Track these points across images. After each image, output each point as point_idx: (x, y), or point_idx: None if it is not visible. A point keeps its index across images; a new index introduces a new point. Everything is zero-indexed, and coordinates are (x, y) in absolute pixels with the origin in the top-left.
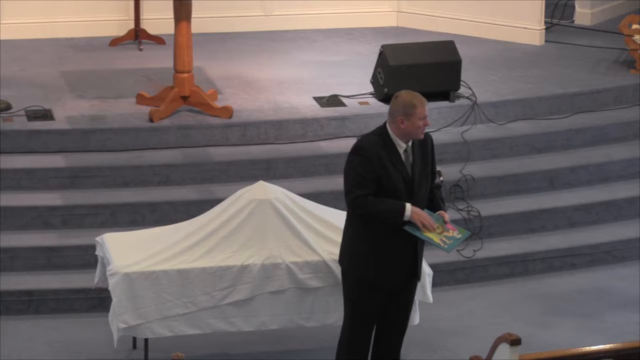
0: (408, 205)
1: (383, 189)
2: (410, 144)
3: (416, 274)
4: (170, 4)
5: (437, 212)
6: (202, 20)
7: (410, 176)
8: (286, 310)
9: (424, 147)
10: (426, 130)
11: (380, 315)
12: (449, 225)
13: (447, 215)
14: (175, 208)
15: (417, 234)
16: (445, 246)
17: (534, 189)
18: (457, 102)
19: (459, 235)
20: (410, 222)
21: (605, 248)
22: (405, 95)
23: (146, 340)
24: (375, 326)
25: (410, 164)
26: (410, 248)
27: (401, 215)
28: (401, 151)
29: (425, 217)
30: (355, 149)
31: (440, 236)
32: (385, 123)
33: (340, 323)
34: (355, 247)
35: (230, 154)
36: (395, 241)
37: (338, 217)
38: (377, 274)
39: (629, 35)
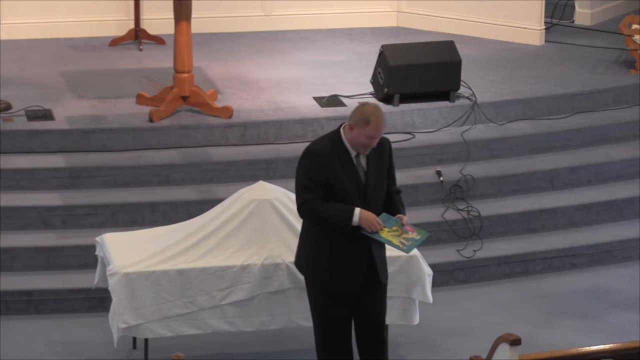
0: (356, 210)
1: (334, 193)
2: None
3: (377, 278)
4: (170, 4)
5: (396, 216)
6: (202, 20)
7: (364, 182)
8: (286, 310)
9: (381, 151)
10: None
11: (350, 318)
12: (408, 227)
13: (406, 218)
14: (175, 208)
15: (374, 236)
16: (404, 247)
17: (534, 189)
18: (457, 102)
19: (418, 237)
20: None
21: (605, 248)
22: (370, 108)
23: (146, 340)
24: (351, 328)
25: (364, 169)
26: (365, 251)
27: (349, 220)
28: (353, 156)
29: (373, 222)
30: (305, 152)
31: (400, 238)
32: (339, 127)
33: None
34: (311, 251)
35: (230, 154)
36: (349, 244)
37: None
38: (332, 277)
39: (629, 35)
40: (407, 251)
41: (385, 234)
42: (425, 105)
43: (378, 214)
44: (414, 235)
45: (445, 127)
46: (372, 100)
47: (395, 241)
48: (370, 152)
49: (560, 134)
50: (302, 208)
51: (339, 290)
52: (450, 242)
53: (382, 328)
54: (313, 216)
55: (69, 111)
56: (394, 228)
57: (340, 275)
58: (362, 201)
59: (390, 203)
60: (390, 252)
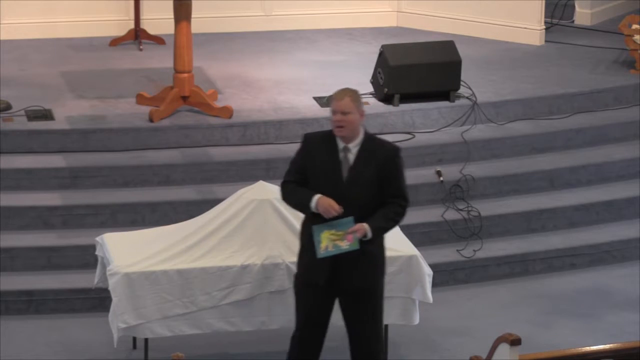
0: (317, 196)
1: (310, 182)
2: (353, 145)
3: (355, 280)
4: (170, 4)
5: (358, 224)
6: (202, 20)
7: (343, 177)
8: (286, 310)
9: (379, 155)
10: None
11: (322, 318)
12: (349, 237)
13: (359, 228)
14: (175, 208)
15: (314, 234)
16: (322, 251)
17: (534, 189)
18: (457, 102)
19: (345, 247)
20: (319, 220)
21: (605, 248)
22: (339, 90)
23: (146, 340)
24: (321, 329)
25: (349, 165)
26: None
27: (308, 204)
28: (339, 149)
29: (329, 206)
30: (302, 137)
31: (333, 242)
32: None
33: (340, 323)
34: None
35: (230, 154)
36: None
37: None
38: (300, 269)
39: (629, 35)
40: (317, 255)
41: (325, 234)
42: (425, 105)
43: (356, 214)
44: (343, 244)
45: (445, 127)
46: (372, 100)
47: (324, 243)
48: (362, 152)
49: (560, 134)
50: (281, 188)
51: (306, 284)
52: (450, 242)
53: (369, 341)
54: (284, 197)
55: (69, 111)
56: (339, 233)
57: (306, 267)
58: (337, 196)
59: (377, 210)
60: (390, 252)
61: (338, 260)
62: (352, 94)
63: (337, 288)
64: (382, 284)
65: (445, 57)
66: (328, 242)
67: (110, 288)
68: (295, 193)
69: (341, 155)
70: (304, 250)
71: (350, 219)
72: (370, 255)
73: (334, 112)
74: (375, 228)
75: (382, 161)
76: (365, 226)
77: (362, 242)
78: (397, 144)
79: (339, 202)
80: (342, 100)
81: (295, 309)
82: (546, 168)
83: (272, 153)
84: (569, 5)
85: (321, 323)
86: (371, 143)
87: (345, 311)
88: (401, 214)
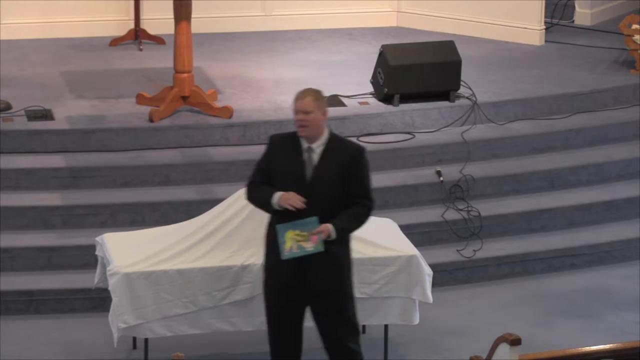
0: (278, 193)
1: (274, 182)
2: (317, 145)
3: (320, 282)
4: (170, 4)
5: (322, 225)
6: (202, 20)
7: (307, 177)
8: None
9: (340, 156)
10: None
11: (290, 320)
12: (314, 238)
13: (323, 229)
14: (175, 208)
15: (279, 234)
16: (286, 252)
17: (534, 189)
18: (457, 102)
19: (310, 248)
20: (283, 219)
21: (605, 248)
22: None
23: (146, 340)
24: (290, 330)
25: (313, 165)
26: None
27: (269, 201)
28: (303, 149)
29: (293, 198)
30: (268, 138)
31: (297, 243)
32: None
33: None
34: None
35: (230, 154)
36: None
37: None
38: (266, 269)
39: (629, 35)
40: (281, 256)
41: (289, 234)
42: (425, 105)
43: (320, 214)
44: (308, 245)
45: (445, 127)
46: (372, 100)
47: (288, 243)
48: (328, 153)
49: (560, 134)
50: (246, 188)
51: (273, 287)
52: (450, 242)
53: (341, 341)
54: (248, 197)
55: (69, 111)
56: (304, 233)
57: (272, 270)
58: (301, 196)
59: (343, 210)
60: (390, 252)
61: (302, 262)
62: (314, 94)
63: (304, 291)
64: (349, 284)
65: (445, 57)
66: (292, 243)
67: (110, 288)
68: (258, 192)
69: (305, 155)
70: (269, 252)
71: (315, 219)
72: (334, 257)
73: (296, 112)
74: (339, 229)
75: (346, 161)
76: (329, 227)
77: (326, 242)
78: (397, 144)
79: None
80: (303, 100)
81: (265, 313)
82: (546, 168)
83: None
84: (569, 5)
85: (292, 327)
86: (335, 143)
87: (314, 314)
88: (366, 215)
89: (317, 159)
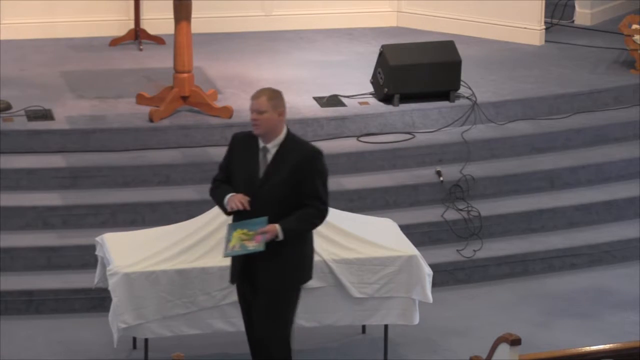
0: (229, 195)
1: (232, 180)
2: (272, 145)
3: (257, 279)
4: (170, 4)
5: (269, 225)
6: (202, 20)
7: (259, 176)
8: None
9: (292, 158)
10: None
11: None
12: (258, 237)
13: (269, 229)
14: (175, 208)
15: (227, 232)
16: (228, 250)
17: (534, 189)
18: (457, 102)
19: (251, 248)
20: (238, 218)
21: (605, 248)
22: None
23: (146, 340)
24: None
25: (267, 165)
26: None
27: (222, 202)
28: (259, 148)
29: (237, 200)
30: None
31: (241, 242)
32: None
33: (340, 323)
34: None
35: None
36: None
37: (338, 217)
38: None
39: (629, 35)
40: (223, 255)
41: (237, 233)
42: (425, 105)
43: (270, 213)
44: (250, 244)
45: (445, 127)
46: (372, 100)
47: (233, 242)
48: (283, 154)
49: (560, 134)
50: (210, 187)
51: (237, 284)
52: (450, 242)
53: (262, 342)
54: (210, 195)
55: (69, 111)
56: (250, 233)
57: (231, 266)
58: (253, 195)
59: (293, 211)
60: (390, 252)
61: (250, 260)
62: (269, 93)
63: (252, 287)
64: (291, 286)
65: (445, 57)
66: (237, 242)
67: (110, 288)
68: (216, 191)
69: (260, 154)
70: None
71: (264, 219)
72: (282, 257)
73: (251, 111)
74: (287, 229)
75: (298, 163)
76: (276, 227)
77: (277, 243)
78: (397, 144)
79: (254, 201)
80: (258, 99)
81: None
82: (546, 168)
83: None
84: (569, 5)
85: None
86: (290, 144)
87: (252, 308)
88: (317, 217)
89: (271, 159)
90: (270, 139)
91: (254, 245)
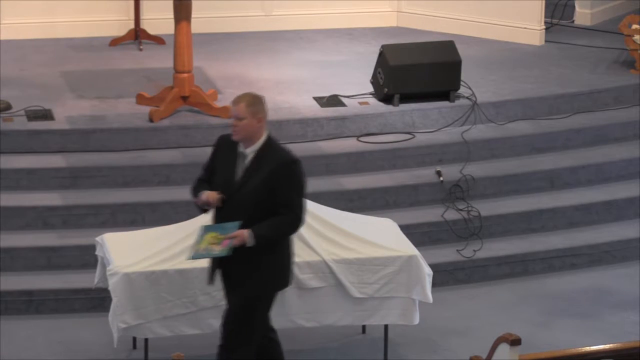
0: (203, 192)
1: (213, 182)
2: (250, 151)
3: (230, 281)
4: (170, 4)
5: (239, 230)
6: (202, 20)
7: (236, 180)
8: (286, 310)
9: (267, 165)
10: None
11: None
12: (225, 241)
13: (238, 234)
14: (175, 208)
15: (198, 234)
16: (194, 253)
17: (534, 189)
18: (457, 102)
19: (217, 252)
20: (216, 220)
21: (605, 248)
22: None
23: (146, 340)
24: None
25: (244, 169)
26: None
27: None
28: (239, 151)
29: (207, 198)
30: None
31: (210, 245)
32: None
33: (340, 323)
34: None
35: None
36: None
37: (338, 217)
38: None
39: (629, 35)
40: (189, 257)
41: (207, 236)
42: (425, 105)
43: (244, 218)
44: (217, 248)
45: (445, 127)
46: (372, 100)
47: (202, 245)
48: (260, 160)
49: (560, 134)
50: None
51: (209, 284)
52: (450, 242)
53: (225, 347)
54: (190, 193)
55: (69, 111)
56: (220, 236)
57: (208, 268)
58: (228, 197)
59: (266, 218)
60: (390, 252)
61: (224, 265)
62: (249, 99)
63: (226, 283)
64: (263, 294)
65: (445, 57)
66: (205, 244)
67: (110, 288)
68: (195, 190)
69: (239, 159)
70: None
71: (237, 223)
72: (256, 264)
73: (230, 117)
74: (257, 236)
75: (272, 170)
76: (245, 233)
77: (249, 249)
78: (397, 144)
79: (229, 205)
80: (237, 105)
81: None
82: (546, 168)
83: None
84: (569, 5)
85: None
86: (267, 151)
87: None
88: (289, 225)
89: (248, 164)
90: (249, 144)
91: (220, 249)
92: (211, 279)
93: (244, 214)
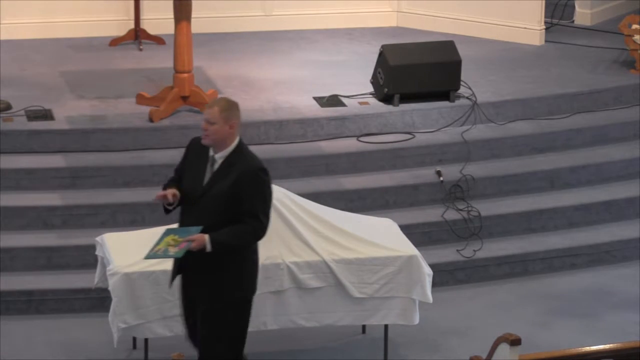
0: (168, 189)
1: (182, 185)
2: (219, 156)
3: (191, 285)
4: (170, 4)
5: (198, 234)
6: (202, 20)
7: (202, 184)
8: (286, 310)
9: (234, 172)
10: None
11: (188, 319)
12: (182, 244)
13: (197, 238)
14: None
15: (160, 236)
16: (151, 252)
17: (534, 189)
18: (457, 102)
19: (171, 253)
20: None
21: (605, 248)
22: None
23: (146, 340)
24: (191, 330)
25: (212, 174)
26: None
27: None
28: (209, 156)
29: (162, 193)
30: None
31: (167, 247)
32: None
33: (340, 323)
34: None
35: None
36: None
37: (338, 217)
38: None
39: (629, 35)
40: (144, 256)
41: (167, 238)
42: (425, 105)
43: (209, 223)
44: (173, 250)
45: (445, 127)
46: (372, 100)
47: (160, 246)
48: (226, 165)
49: (560, 134)
50: None
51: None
52: (450, 242)
53: (205, 346)
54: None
55: (69, 111)
56: (179, 239)
57: (171, 271)
58: (193, 201)
59: (228, 225)
60: (390, 252)
61: (184, 270)
62: (223, 105)
63: (189, 293)
64: (229, 304)
65: (445, 57)
66: (163, 246)
67: (110, 288)
68: (164, 188)
69: (209, 164)
70: None
71: (198, 228)
72: (215, 271)
73: (203, 119)
74: (216, 242)
75: (238, 177)
76: (204, 238)
77: (209, 256)
78: (397, 144)
79: (195, 209)
80: (210, 109)
81: None
82: (546, 168)
83: (272, 153)
84: (569, 5)
85: (191, 327)
86: (236, 157)
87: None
88: (251, 234)
89: (216, 170)
90: (219, 149)
91: (175, 251)
92: (171, 283)
93: (208, 219)
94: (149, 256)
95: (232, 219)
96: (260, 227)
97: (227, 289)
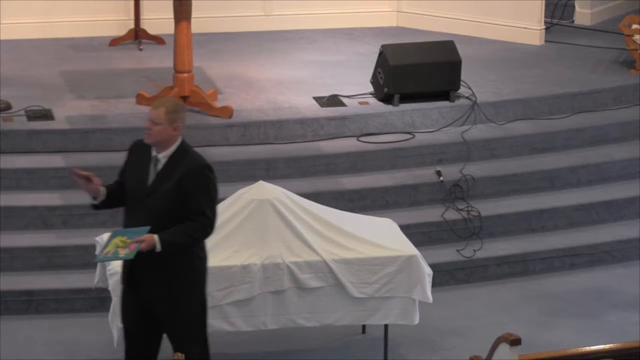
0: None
1: (125, 186)
2: (163, 156)
3: (142, 289)
4: (170, 4)
5: (147, 235)
6: (202, 20)
7: (147, 184)
8: (286, 310)
9: (179, 171)
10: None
11: (137, 323)
12: (132, 245)
13: (146, 238)
14: None
15: (109, 237)
16: (101, 255)
17: (534, 189)
18: (457, 102)
19: (122, 255)
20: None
21: (605, 248)
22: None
23: None
24: (138, 335)
25: (156, 174)
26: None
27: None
28: (152, 156)
29: (86, 184)
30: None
31: (116, 249)
32: None
33: (340, 323)
34: None
35: (230, 154)
36: None
37: (338, 217)
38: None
39: (629, 35)
40: (96, 259)
41: (116, 239)
42: (425, 105)
43: (155, 222)
44: (123, 252)
45: (445, 127)
46: (372, 100)
47: (109, 248)
48: (170, 164)
49: (560, 134)
50: None
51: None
52: (450, 242)
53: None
54: None
55: (69, 111)
56: (128, 240)
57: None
58: (139, 201)
59: (175, 224)
60: (390, 252)
61: (136, 267)
62: (169, 106)
63: (140, 297)
64: (188, 296)
65: (445, 57)
66: (112, 248)
67: (110, 288)
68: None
69: (152, 164)
70: None
71: (146, 228)
72: (170, 267)
73: (148, 119)
74: (165, 241)
75: (183, 175)
76: (153, 238)
77: (158, 255)
78: (397, 144)
79: (140, 210)
80: (156, 110)
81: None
82: (546, 168)
83: (272, 153)
84: (569, 5)
85: (138, 333)
86: (180, 157)
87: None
88: (200, 231)
89: (160, 169)
90: (162, 149)
91: (125, 252)
92: (124, 284)
93: (155, 219)
94: (99, 259)
95: (179, 218)
96: (208, 224)
97: (182, 284)
